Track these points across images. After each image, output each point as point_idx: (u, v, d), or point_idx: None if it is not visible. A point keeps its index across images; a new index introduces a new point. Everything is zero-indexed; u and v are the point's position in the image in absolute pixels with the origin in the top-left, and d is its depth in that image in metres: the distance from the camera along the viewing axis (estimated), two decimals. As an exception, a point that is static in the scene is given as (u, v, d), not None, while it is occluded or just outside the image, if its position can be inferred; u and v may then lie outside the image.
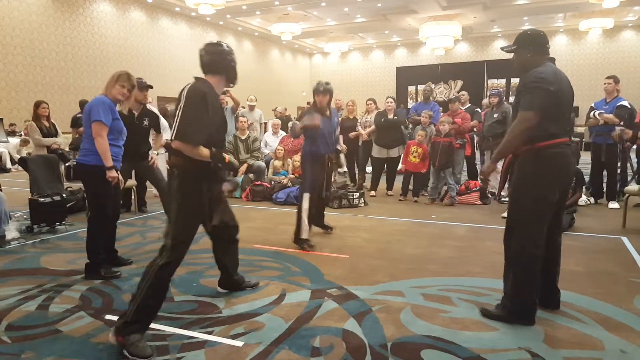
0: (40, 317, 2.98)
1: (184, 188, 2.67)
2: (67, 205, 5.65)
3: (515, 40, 2.93)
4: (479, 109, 8.18)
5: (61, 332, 2.76)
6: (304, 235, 4.51)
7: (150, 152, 4.86)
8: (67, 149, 7.64)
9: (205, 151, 2.65)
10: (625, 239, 4.80)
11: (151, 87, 4.92)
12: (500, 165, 3.12)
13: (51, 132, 6.50)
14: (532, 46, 2.84)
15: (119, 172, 3.67)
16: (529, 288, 2.81)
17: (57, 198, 5.29)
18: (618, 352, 2.49)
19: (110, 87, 3.69)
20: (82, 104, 9.83)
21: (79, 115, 9.57)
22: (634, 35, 20.26)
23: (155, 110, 5.08)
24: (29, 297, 3.31)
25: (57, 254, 4.41)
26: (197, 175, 2.68)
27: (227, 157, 2.79)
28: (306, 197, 4.55)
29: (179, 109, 2.60)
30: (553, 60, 2.86)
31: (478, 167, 8.43)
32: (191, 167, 2.65)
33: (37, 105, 6.48)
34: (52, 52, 13.89)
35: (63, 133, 7.03)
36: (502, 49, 3.12)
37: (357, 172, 8.41)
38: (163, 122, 7.74)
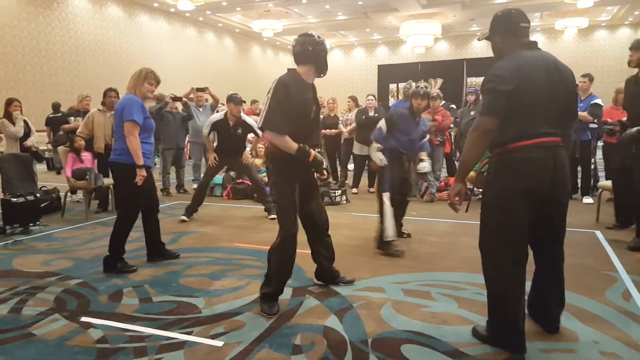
0: (12, 320, 2.90)
1: (277, 172, 2.95)
2: (41, 206, 5.52)
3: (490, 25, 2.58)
4: (454, 106, 8.32)
5: (35, 336, 2.69)
6: (389, 237, 4.15)
7: (245, 152, 5.80)
8: (41, 147, 7.48)
9: (293, 144, 2.82)
10: (598, 233, 4.90)
11: (244, 102, 5.67)
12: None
13: (24, 130, 6.33)
14: (502, 29, 2.49)
15: (150, 170, 3.88)
16: (508, 316, 2.40)
17: (30, 198, 5.16)
18: (591, 343, 2.55)
19: (139, 86, 3.79)
20: (55, 106, 9.92)
21: (52, 115, 9.57)
22: (607, 35, 20.72)
23: (249, 120, 5.84)
24: (0, 300, 3.22)
25: (30, 255, 4.30)
26: (287, 161, 2.89)
27: (313, 153, 2.91)
28: (386, 196, 4.22)
29: (269, 98, 2.80)
30: (531, 44, 2.44)
31: (456, 164, 8.53)
32: (280, 154, 2.88)
33: (9, 102, 6.31)
34: (25, 48, 13.53)
35: (37, 131, 6.87)
36: (478, 39, 2.89)
37: (339, 169, 8.42)
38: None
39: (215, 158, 5.71)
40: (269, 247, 3.05)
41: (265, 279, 3.05)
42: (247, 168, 5.86)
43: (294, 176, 2.95)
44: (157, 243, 4.15)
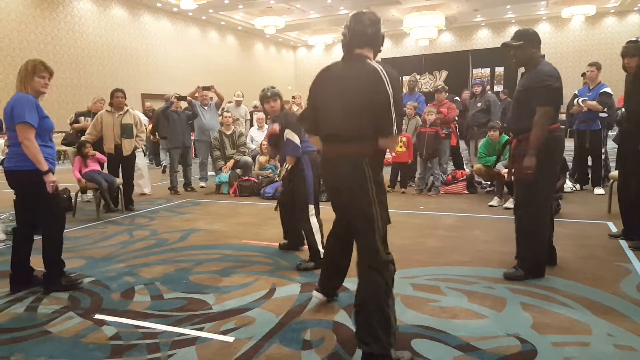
0: (28, 318, 2.95)
1: (377, 177, 2.41)
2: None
3: (518, 36, 3.36)
4: (457, 98, 8.30)
5: (50, 333, 2.73)
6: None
7: None
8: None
9: None
10: (610, 224, 4.86)
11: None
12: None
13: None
14: (536, 42, 3.34)
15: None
16: (544, 251, 3.40)
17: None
18: (605, 336, 2.53)
19: (29, 81, 3.23)
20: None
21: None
22: (616, 22, 20.46)
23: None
24: (16, 298, 3.27)
25: (43, 255, 4.34)
26: (381, 164, 2.50)
27: None
28: (311, 209, 4.01)
29: (389, 96, 2.15)
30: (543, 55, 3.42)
31: (464, 156, 8.53)
32: (379, 158, 2.42)
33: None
34: (32, 52, 13.63)
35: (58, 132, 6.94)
36: (506, 43, 3.41)
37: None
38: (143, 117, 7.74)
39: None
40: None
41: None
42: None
43: None
44: (24, 266, 3.49)
